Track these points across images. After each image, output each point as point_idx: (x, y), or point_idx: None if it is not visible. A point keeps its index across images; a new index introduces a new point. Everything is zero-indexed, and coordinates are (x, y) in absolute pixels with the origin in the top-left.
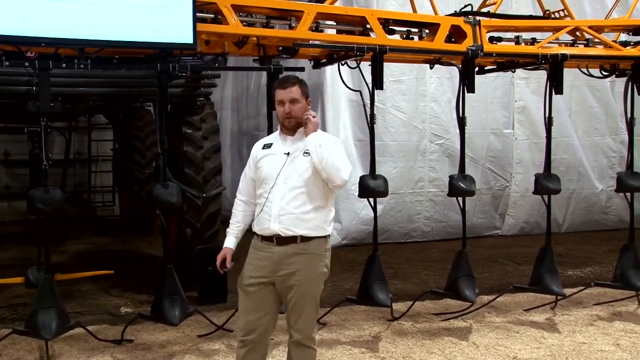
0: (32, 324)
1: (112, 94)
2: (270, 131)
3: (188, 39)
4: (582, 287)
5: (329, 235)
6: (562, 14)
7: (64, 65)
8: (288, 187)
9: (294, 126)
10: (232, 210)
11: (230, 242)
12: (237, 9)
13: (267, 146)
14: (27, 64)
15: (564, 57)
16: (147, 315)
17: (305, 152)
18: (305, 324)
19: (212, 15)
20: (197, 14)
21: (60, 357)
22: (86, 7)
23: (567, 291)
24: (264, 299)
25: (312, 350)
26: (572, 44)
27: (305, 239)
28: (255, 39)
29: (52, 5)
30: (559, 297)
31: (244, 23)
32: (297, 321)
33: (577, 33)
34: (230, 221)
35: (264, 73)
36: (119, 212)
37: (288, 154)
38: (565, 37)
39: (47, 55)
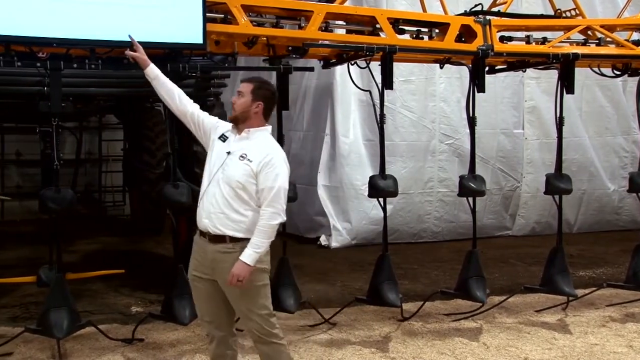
0: (44, 323)
1: (122, 94)
2: (280, 131)
3: (198, 39)
4: (594, 288)
5: None
6: (573, 13)
7: (75, 65)
8: (221, 187)
9: (232, 118)
10: None
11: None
12: (247, 9)
13: (222, 138)
14: (39, 64)
15: (576, 56)
16: (158, 315)
17: (241, 156)
18: (254, 322)
19: (222, 16)
20: (207, 14)
21: (72, 356)
22: (97, 8)
23: (579, 292)
24: (208, 293)
25: (276, 345)
26: (584, 43)
27: (234, 239)
28: (264, 39)
29: (63, 6)
30: (570, 298)
31: (254, 23)
32: (245, 320)
33: (589, 32)
34: None
35: (274, 73)
36: (129, 212)
37: (229, 153)
38: (576, 36)
39: (59, 55)
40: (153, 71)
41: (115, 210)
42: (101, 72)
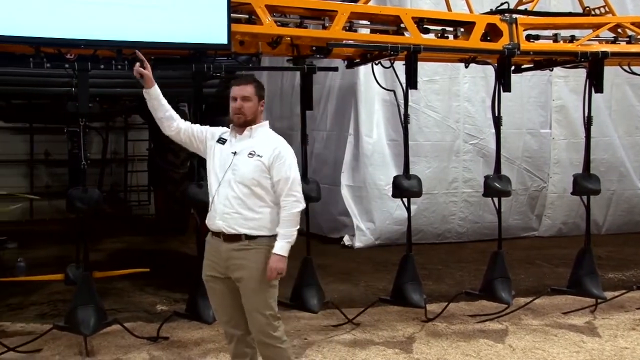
0: (72, 320)
1: None
2: (304, 131)
3: (222, 39)
4: (623, 291)
5: (275, 235)
6: (602, 10)
7: (102, 66)
8: (233, 188)
9: (242, 123)
10: None
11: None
12: (271, 9)
13: (222, 141)
14: (67, 65)
15: (605, 54)
16: (182, 314)
17: (249, 154)
18: (261, 322)
19: (246, 16)
20: (231, 14)
21: (99, 353)
22: (123, 10)
23: (608, 294)
24: (224, 292)
25: (276, 348)
26: (614, 41)
27: (249, 237)
28: (289, 39)
29: (90, 8)
30: (599, 301)
31: (278, 23)
32: (253, 320)
33: (619, 30)
34: None
35: (298, 73)
36: (154, 211)
37: (235, 153)
38: (606, 34)
39: (86, 56)
40: (156, 91)
41: (140, 210)
42: (127, 73)
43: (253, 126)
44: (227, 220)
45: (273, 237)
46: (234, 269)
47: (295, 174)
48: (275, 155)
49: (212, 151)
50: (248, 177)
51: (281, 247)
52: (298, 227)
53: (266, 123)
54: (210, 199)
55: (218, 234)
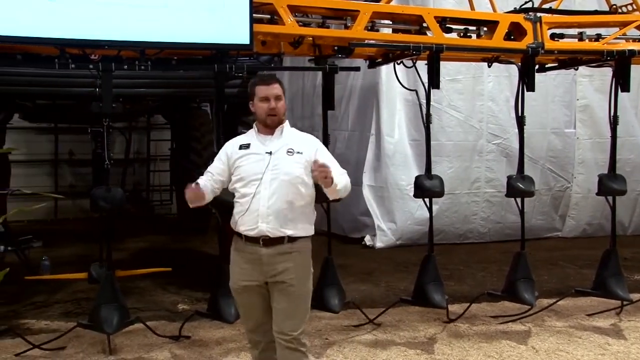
0: (95, 319)
1: (170, 95)
2: (325, 131)
3: (245, 39)
4: None
5: (312, 235)
6: (630, 8)
7: (125, 66)
8: (275, 187)
9: (277, 124)
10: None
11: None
12: (293, 9)
13: (245, 146)
14: (91, 66)
15: (632, 53)
16: (204, 313)
17: (288, 151)
18: (294, 325)
19: (268, 16)
20: (253, 14)
21: (121, 351)
22: (147, 11)
23: (634, 296)
24: (257, 301)
25: (303, 355)
26: None
27: (292, 239)
28: (310, 39)
29: (113, 9)
30: (624, 303)
31: (300, 23)
32: (286, 323)
33: None
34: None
35: (319, 73)
36: (176, 211)
37: (270, 152)
38: (633, 32)
39: (110, 57)
40: (209, 195)
41: (162, 209)
42: (150, 73)
43: (283, 125)
44: (271, 222)
45: (310, 239)
46: (276, 274)
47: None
48: (316, 149)
49: (238, 161)
50: (293, 174)
51: (335, 178)
52: (343, 194)
53: (287, 122)
54: (246, 204)
55: (255, 240)
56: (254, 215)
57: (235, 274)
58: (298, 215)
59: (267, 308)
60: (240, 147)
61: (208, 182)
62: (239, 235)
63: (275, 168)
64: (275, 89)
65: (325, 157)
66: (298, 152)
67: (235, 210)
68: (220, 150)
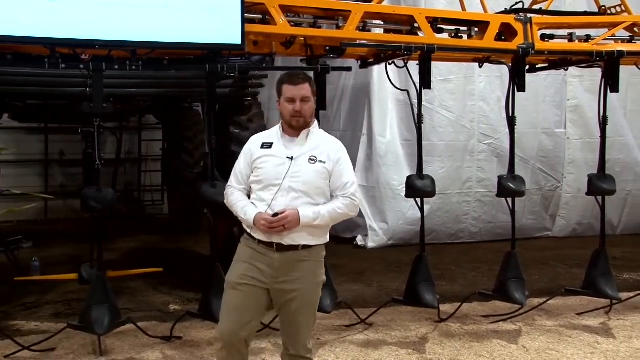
0: (86, 320)
1: (162, 95)
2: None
3: (236, 39)
4: (638, 292)
5: (327, 243)
6: (618, 9)
7: (116, 66)
8: (293, 196)
9: (302, 126)
10: (230, 198)
11: (255, 209)
12: (285, 9)
13: (267, 145)
14: (81, 66)
15: (621, 54)
16: (196, 313)
17: (310, 159)
18: (303, 334)
19: (260, 16)
20: (245, 14)
21: (112, 352)
22: (137, 10)
23: (623, 295)
24: (254, 301)
25: None
26: (630, 40)
27: (306, 246)
28: (302, 39)
29: (104, 9)
30: (613, 301)
31: (292, 23)
32: (296, 331)
33: (635, 29)
34: (235, 200)
35: (311, 73)
36: (167, 211)
37: (292, 158)
38: (622, 33)
39: (101, 57)
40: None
41: (154, 210)
42: (141, 74)
43: (310, 128)
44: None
45: (324, 246)
46: (287, 282)
47: (355, 179)
48: (337, 159)
49: (259, 160)
50: (313, 184)
51: (306, 217)
52: (331, 224)
53: (316, 123)
54: (263, 208)
55: (268, 244)
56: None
57: (239, 268)
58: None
59: (258, 312)
60: (263, 146)
61: (245, 196)
62: (251, 236)
63: (294, 175)
64: (303, 89)
65: (345, 169)
66: (321, 161)
67: None
68: (245, 148)
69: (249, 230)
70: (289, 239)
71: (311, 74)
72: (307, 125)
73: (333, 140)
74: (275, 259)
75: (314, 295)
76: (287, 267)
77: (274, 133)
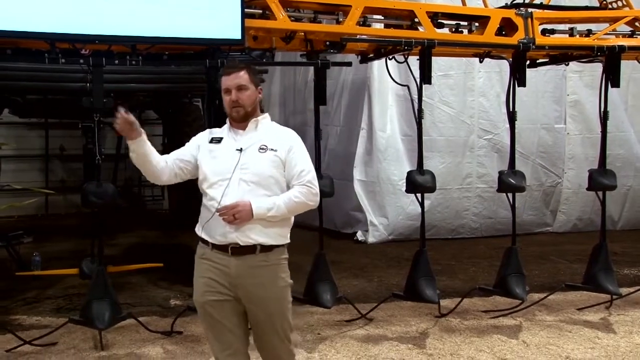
0: (87, 314)
1: (162, 90)
2: (317, 126)
3: (236, 34)
4: (639, 287)
5: (288, 243)
6: (620, 4)
7: (116, 61)
8: (244, 189)
9: (242, 117)
10: None
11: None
12: (285, 4)
13: (217, 140)
14: (81, 61)
15: (622, 48)
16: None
17: (261, 148)
18: (276, 348)
19: (260, 11)
20: (245, 9)
21: (113, 347)
22: (137, 5)
23: (623, 290)
24: (227, 314)
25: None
26: (631, 35)
27: (265, 248)
28: (302, 34)
29: (104, 4)
30: (614, 297)
31: (292, 18)
32: (268, 343)
33: (636, 23)
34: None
35: (311, 68)
36: (167, 206)
37: (241, 150)
38: (623, 28)
39: (101, 52)
40: (145, 142)
41: (154, 205)
42: (141, 69)
43: (258, 118)
44: (241, 229)
45: (284, 248)
46: (248, 289)
47: (312, 167)
48: (290, 147)
49: (205, 155)
50: (265, 174)
51: (259, 208)
52: (290, 215)
53: (267, 114)
54: (212, 209)
55: (222, 248)
56: (221, 221)
57: (200, 286)
58: (272, 221)
59: (237, 326)
60: (212, 141)
61: (165, 157)
62: (205, 242)
63: (244, 167)
64: (238, 77)
65: (299, 157)
66: (272, 149)
67: (201, 215)
68: (192, 139)
69: (200, 233)
70: (244, 237)
71: (311, 69)
72: (250, 114)
73: (285, 130)
74: (232, 266)
75: (278, 304)
76: (246, 274)
77: (224, 128)
